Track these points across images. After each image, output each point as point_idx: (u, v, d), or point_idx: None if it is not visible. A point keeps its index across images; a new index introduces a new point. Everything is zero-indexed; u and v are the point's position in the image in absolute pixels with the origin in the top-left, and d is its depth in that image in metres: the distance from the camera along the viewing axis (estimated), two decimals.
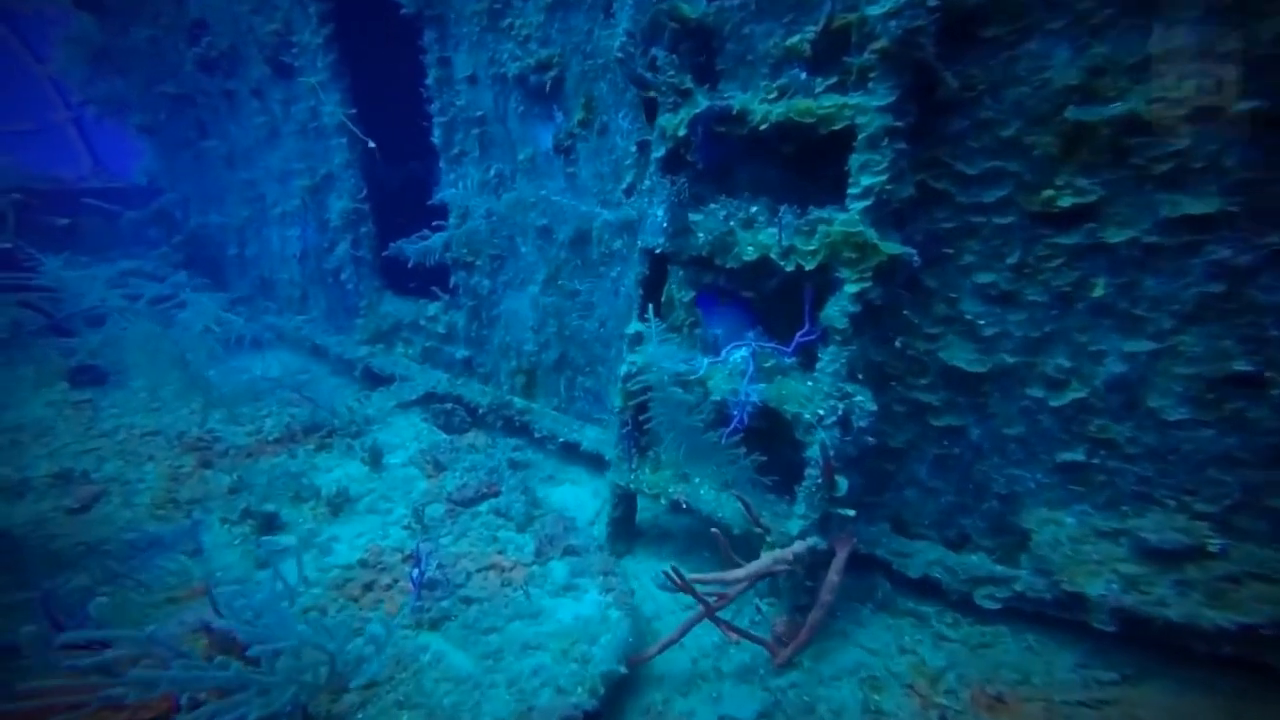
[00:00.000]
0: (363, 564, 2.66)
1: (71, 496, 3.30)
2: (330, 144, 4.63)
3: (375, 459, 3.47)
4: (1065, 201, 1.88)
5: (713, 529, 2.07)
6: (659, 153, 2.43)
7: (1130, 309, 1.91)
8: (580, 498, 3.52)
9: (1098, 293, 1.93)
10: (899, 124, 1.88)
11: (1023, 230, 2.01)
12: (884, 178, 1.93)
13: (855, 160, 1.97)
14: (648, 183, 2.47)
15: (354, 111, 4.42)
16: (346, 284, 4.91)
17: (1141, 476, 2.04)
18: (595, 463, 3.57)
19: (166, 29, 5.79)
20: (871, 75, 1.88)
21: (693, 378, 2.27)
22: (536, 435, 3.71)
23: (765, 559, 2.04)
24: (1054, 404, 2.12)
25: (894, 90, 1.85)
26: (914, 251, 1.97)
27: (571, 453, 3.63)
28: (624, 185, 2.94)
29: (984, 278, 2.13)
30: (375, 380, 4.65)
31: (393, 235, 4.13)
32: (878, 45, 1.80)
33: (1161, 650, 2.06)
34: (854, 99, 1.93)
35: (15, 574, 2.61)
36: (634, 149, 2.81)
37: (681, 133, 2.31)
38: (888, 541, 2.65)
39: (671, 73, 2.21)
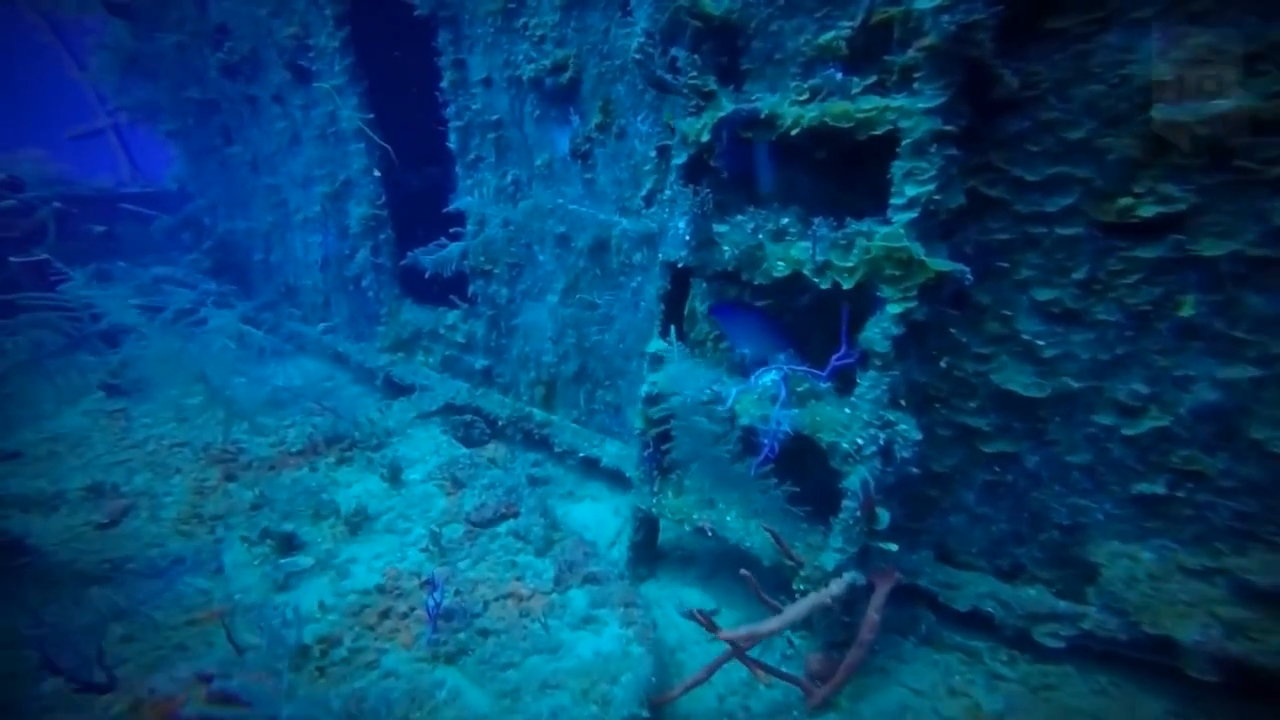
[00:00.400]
0: (380, 589, 2.60)
1: (101, 511, 3.34)
2: (349, 149, 4.58)
3: (394, 474, 3.41)
4: (1146, 211, 1.66)
5: (743, 571, 1.92)
6: (680, 159, 2.26)
7: (1228, 330, 1.69)
8: (600, 515, 3.41)
9: (1186, 312, 1.70)
10: (949, 128, 1.68)
11: (1092, 242, 1.79)
12: (931, 187, 1.74)
13: (899, 168, 1.77)
14: (668, 192, 2.31)
15: (371, 116, 4.35)
16: (367, 291, 4.88)
17: (1240, 512, 1.81)
18: (616, 478, 3.46)
19: (192, 34, 5.82)
20: (917, 75, 1.68)
21: (720, 409, 2.11)
22: (556, 450, 3.62)
23: (802, 603, 1.89)
24: (1128, 432, 1.91)
25: (943, 91, 1.64)
26: (966, 269, 1.77)
27: (592, 468, 3.52)
28: (643, 192, 2.78)
29: (1044, 294, 1.91)
30: (396, 389, 4.62)
31: (412, 242, 4.06)
32: (925, 42, 1.60)
33: None
34: (897, 101, 1.73)
35: (40, 594, 2.64)
36: (654, 154, 2.65)
37: (704, 138, 2.14)
38: (932, 571, 2.47)
39: (693, 74, 2.04)
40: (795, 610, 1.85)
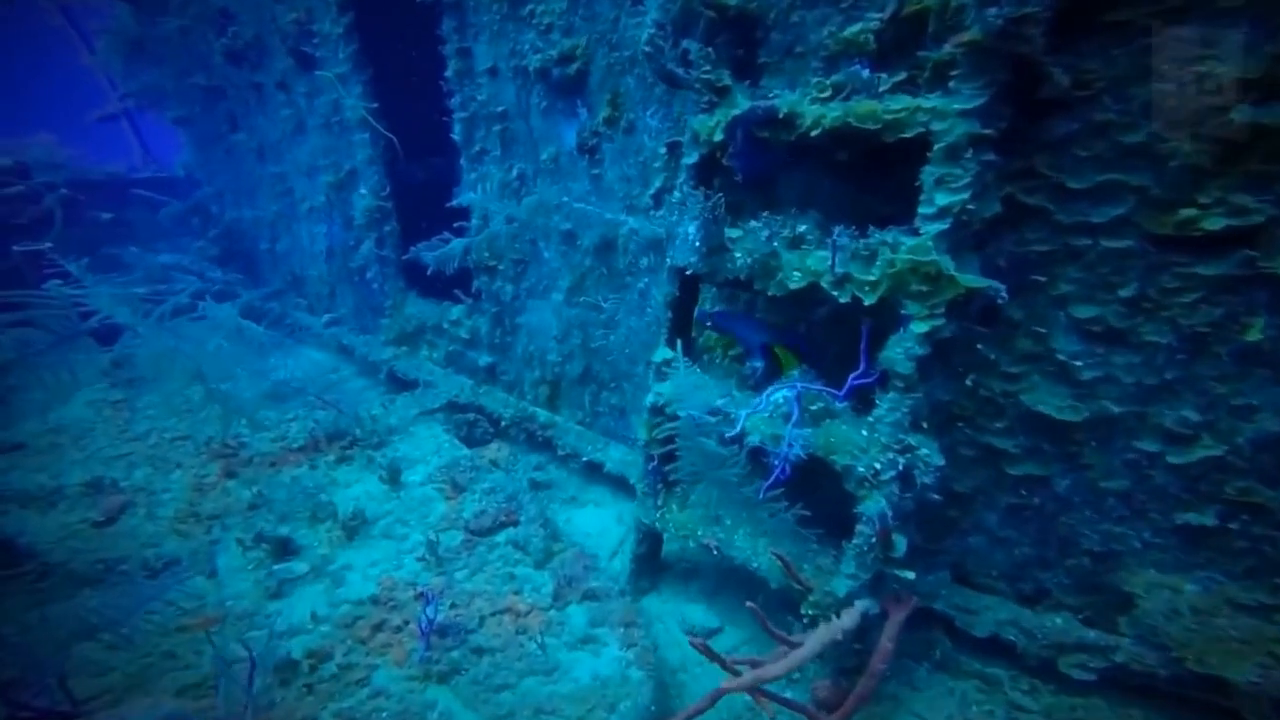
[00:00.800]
0: (374, 600, 2.53)
1: (99, 508, 3.29)
2: (353, 139, 4.47)
3: (394, 476, 3.34)
4: (1213, 224, 1.49)
5: (750, 604, 1.81)
6: (691, 159, 2.12)
7: None
8: (603, 522, 3.32)
9: (1252, 336, 1.54)
10: (987, 131, 1.52)
11: (1144, 256, 1.63)
12: (965, 195, 1.59)
13: (929, 174, 1.62)
14: (678, 194, 2.17)
15: (375, 105, 4.23)
16: (372, 283, 4.80)
17: None
18: (619, 484, 3.37)
19: (195, 18, 5.71)
20: (954, 73, 1.52)
21: (730, 434, 1.99)
22: (560, 452, 3.53)
23: (812, 641, 1.78)
24: (1174, 460, 1.77)
25: (983, 91, 1.49)
26: (1001, 286, 1.62)
27: (595, 471, 3.43)
28: (652, 190, 2.64)
29: (1085, 311, 1.76)
30: (401, 383, 4.55)
31: (417, 233, 3.96)
32: (967, 37, 1.44)
33: None
34: (930, 101, 1.57)
35: (30, 599, 2.60)
36: (663, 150, 2.51)
37: (717, 137, 1.99)
38: (949, 594, 2.36)
39: (706, 68, 1.89)
40: (804, 650, 1.74)
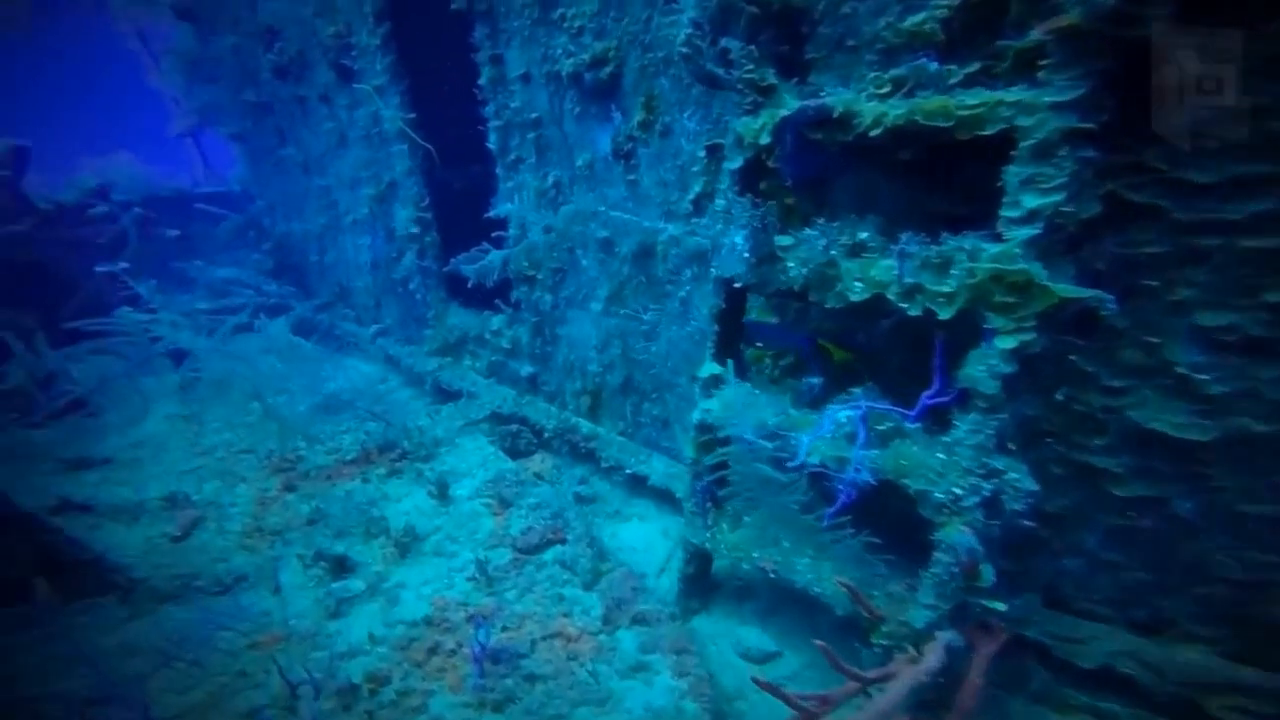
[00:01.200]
0: (428, 621, 2.53)
1: (175, 523, 3.46)
2: (392, 150, 4.49)
3: (442, 490, 3.36)
4: None
5: (819, 643, 1.68)
6: (735, 164, 1.96)
7: None
8: (649, 537, 3.24)
9: None
10: (1086, 125, 1.31)
11: None
12: (1059, 197, 1.38)
13: (1014, 174, 1.42)
14: (722, 202, 2.03)
15: (413, 116, 4.23)
16: (415, 294, 4.84)
17: None
18: (663, 496, 3.27)
19: (246, 36, 5.87)
20: (1045, 62, 1.30)
21: (791, 464, 1.84)
22: (603, 465, 3.46)
23: (896, 691, 1.63)
24: None
25: (1081, 81, 1.27)
26: (1109, 297, 1.41)
27: (639, 484, 3.35)
28: (691, 195, 2.50)
29: (1213, 319, 1.52)
30: (446, 393, 4.59)
31: (457, 242, 3.95)
32: (1065, 22, 1.22)
33: None
34: (1014, 94, 1.37)
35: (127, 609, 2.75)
36: (701, 154, 2.35)
37: (764, 140, 1.83)
38: (1042, 621, 2.15)
39: (749, 67, 1.72)
40: (888, 701, 1.60)
